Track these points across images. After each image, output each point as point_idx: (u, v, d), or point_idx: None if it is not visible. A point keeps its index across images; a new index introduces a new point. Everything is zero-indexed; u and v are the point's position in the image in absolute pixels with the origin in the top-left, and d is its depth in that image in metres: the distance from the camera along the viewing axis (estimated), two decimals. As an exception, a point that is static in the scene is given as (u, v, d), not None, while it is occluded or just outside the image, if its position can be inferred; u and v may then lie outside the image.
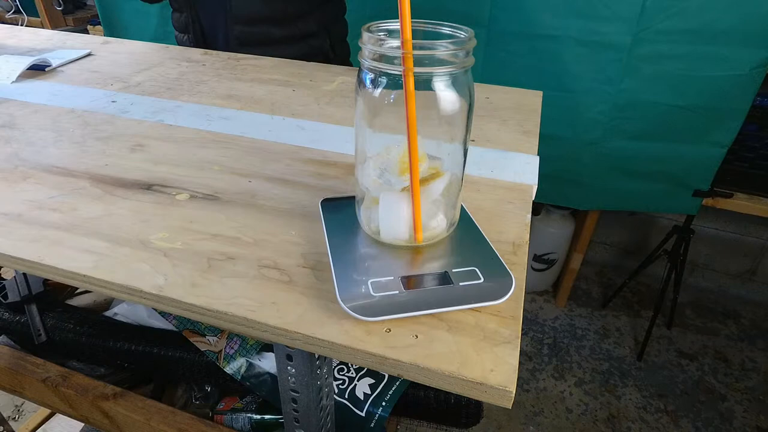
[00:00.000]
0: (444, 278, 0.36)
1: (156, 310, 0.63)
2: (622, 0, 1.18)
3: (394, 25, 0.37)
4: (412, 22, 0.33)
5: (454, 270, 0.36)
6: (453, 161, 0.39)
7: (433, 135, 0.37)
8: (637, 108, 1.31)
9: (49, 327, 0.64)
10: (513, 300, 0.35)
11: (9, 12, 2.19)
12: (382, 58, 0.34)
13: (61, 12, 2.15)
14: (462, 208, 0.44)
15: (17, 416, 1.43)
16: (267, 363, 0.56)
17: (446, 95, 0.35)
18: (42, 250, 0.39)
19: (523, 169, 0.54)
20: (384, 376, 0.56)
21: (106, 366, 0.65)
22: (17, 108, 0.65)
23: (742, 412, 1.51)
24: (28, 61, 0.77)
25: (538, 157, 0.57)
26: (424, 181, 0.37)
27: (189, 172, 0.51)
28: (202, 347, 0.58)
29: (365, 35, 0.34)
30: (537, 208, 1.79)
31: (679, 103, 1.28)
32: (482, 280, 0.36)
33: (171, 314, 0.62)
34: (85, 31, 2.13)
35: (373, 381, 0.56)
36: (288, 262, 0.39)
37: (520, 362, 0.35)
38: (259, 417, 0.58)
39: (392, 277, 0.35)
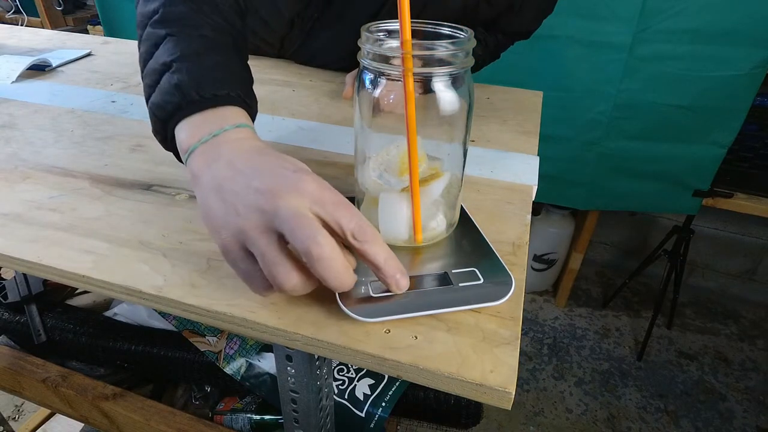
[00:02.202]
0: (444, 279, 0.36)
1: (156, 310, 0.63)
2: (622, 0, 1.18)
3: (393, 25, 0.37)
4: (411, 22, 0.33)
5: (453, 271, 0.36)
6: (453, 161, 0.39)
7: (433, 135, 0.37)
8: (637, 108, 1.31)
9: (49, 327, 0.64)
10: (513, 301, 0.35)
11: (9, 12, 2.19)
12: (382, 58, 0.34)
13: (61, 12, 2.15)
14: (462, 208, 0.44)
15: (17, 416, 1.43)
16: (267, 363, 0.56)
17: (446, 95, 0.35)
18: (41, 250, 0.39)
19: (523, 170, 0.54)
20: (384, 376, 0.56)
21: (106, 366, 0.65)
22: (17, 108, 0.65)
23: (742, 412, 1.52)
24: (28, 61, 0.77)
25: (538, 158, 0.57)
26: (424, 181, 0.37)
27: (189, 172, 0.51)
28: (202, 347, 0.58)
29: (365, 35, 0.34)
30: (537, 208, 1.79)
31: (679, 103, 1.28)
32: (482, 280, 0.35)
33: (171, 314, 0.62)
34: (85, 31, 2.14)
35: (372, 381, 0.56)
36: (287, 263, 0.39)
37: (520, 362, 0.35)
38: (258, 417, 0.58)
39: (392, 278, 0.35)
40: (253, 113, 0.40)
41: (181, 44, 0.38)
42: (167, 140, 0.38)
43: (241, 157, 0.33)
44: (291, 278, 0.29)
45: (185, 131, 0.36)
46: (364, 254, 0.31)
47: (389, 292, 0.33)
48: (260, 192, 0.30)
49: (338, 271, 0.29)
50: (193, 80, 0.36)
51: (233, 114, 0.37)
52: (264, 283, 0.31)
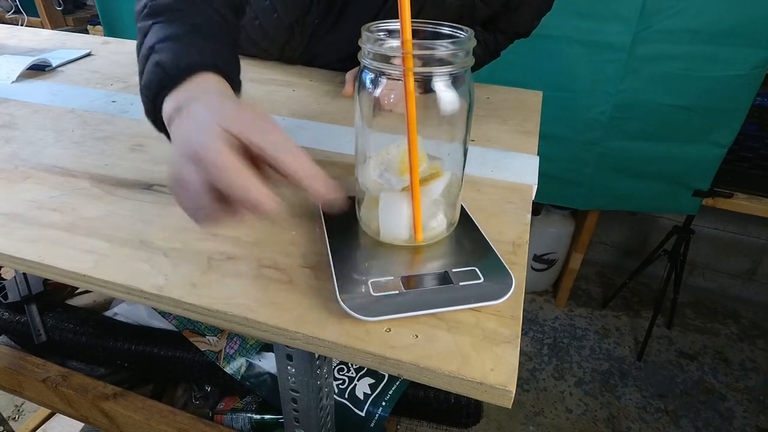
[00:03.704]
0: (444, 278, 0.36)
1: (156, 310, 0.64)
2: (622, 0, 1.18)
3: (394, 25, 0.37)
4: (412, 22, 0.33)
5: (454, 270, 0.36)
6: (453, 161, 0.39)
7: (433, 135, 0.37)
8: (637, 108, 1.31)
9: (49, 327, 0.64)
10: (513, 300, 0.35)
11: (9, 12, 2.19)
12: (382, 57, 0.34)
13: (61, 12, 2.15)
14: (462, 208, 0.44)
15: (17, 416, 1.43)
16: (267, 363, 0.57)
17: (446, 95, 0.35)
18: (42, 250, 0.39)
19: (523, 169, 0.54)
20: (384, 375, 0.56)
21: (106, 366, 0.65)
22: (17, 108, 0.65)
23: (742, 412, 1.52)
24: (28, 61, 0.77)
25: (538, 157, 0.57)
26: (424, 181, 0.37)
27: (189, 172, 0.51)
28: (202, 347, 0.58)
29: (365, 35, 0.34)
30: (537, 208, 1.79)
31: (679, 103, 1.28)
32: (482, 279, 0.36)
33: (171, 314, 0.62)
34: (85, 31, 2.14)
35: (373, 381, 0.56)
36: (288, 262, 0.39)
37: (520, 362, 0.35)
38: (259, 417, 0.58)
39: (392, 277, 0.35)
40: (232, 80, 0.40)
41: (165, 30, 0.40)
42: (157, 121, 0.39)
43: (206, 98, 0.35)
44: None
45: (168, 104, 0.37)
46: (277, 165, 0.31)
47: (390, 291, 0.33)
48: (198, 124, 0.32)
49: (237, 178, 0.29)
50: (174, 57, 0.38)
51: (210, 79, 0.38)
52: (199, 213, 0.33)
